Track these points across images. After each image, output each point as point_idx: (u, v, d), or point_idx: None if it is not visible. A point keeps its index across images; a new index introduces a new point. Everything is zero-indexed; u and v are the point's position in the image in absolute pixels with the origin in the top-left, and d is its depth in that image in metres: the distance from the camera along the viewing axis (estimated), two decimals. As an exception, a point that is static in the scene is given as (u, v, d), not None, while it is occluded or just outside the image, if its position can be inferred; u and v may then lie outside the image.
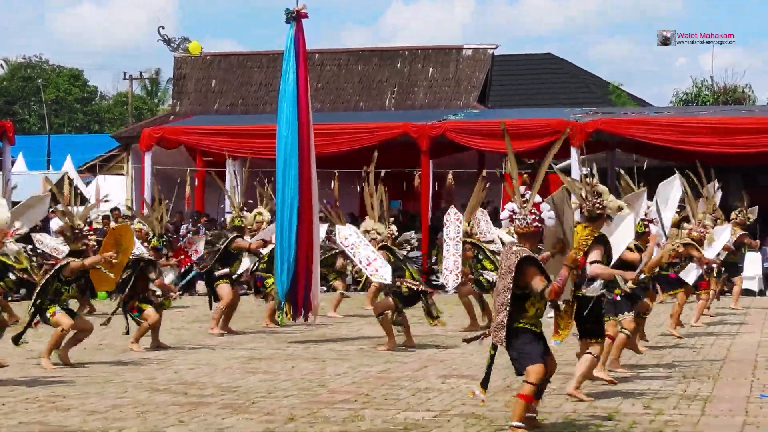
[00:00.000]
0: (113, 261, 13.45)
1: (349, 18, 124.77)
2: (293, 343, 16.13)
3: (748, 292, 23.39)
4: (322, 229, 19.21)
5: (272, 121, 18.65)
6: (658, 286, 15.64)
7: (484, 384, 9.16)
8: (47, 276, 13.34)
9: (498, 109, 36.69)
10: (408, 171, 28.69)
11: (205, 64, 36.36)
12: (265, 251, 18.07)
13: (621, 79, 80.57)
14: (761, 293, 25.49)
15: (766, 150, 25.48)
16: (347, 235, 15.71)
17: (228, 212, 20.72)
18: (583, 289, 10.53)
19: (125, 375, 12.81)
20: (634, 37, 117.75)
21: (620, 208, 11.13)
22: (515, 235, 9.31)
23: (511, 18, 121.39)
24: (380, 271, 15.07)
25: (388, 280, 15.07)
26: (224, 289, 17.25)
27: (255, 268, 18.52)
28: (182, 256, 17.78)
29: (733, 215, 21.87)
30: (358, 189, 29.73)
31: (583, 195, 10.94)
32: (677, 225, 17.20)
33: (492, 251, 17.88)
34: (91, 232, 13.63)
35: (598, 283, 10.66)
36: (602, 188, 10.97)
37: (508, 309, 8.94)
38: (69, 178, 34.50)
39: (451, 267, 16.84)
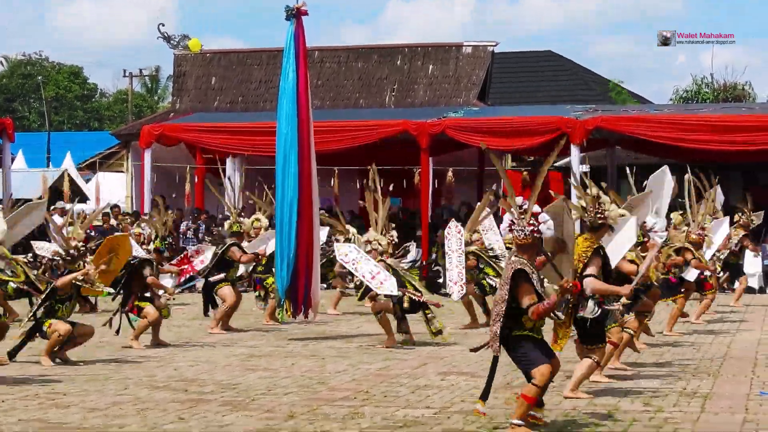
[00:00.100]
0: (102, 268, 13.59)
1: (349, 15, 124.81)
2: (293, 340, 16.13)
3: (748, 290, 23.40)
4: (323, 232, 19.23)
5: (272, 119, 18.66)
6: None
7: (484, 396, 9.14)
8: (46, 291, 13.48)
9: (498, 106, 36.67)
10: (408, 168, 28.70)
11: (205, 62, 36.34)
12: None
13: (621, 77, 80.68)
14: (761, 291, 25.51)
15: (766, 147, 25.47)
16: (347, 252, 15.72)
17: (226, 215, 20.72)
18: (580, 312, 10.46)
19: (125, 372, 12.81)
20: (634, 36, 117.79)
21: (622, 216, 11.11)
22: (514, 246, 9.29)
23: (511, 15, 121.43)
24: (386, 284, 15.02)
25: (395, 292, 15.03)
26: (226, 291, 17.20)
27: (253, 269, 18.54)
28: (184, 266, 17.73)
29: (736, 217, 21.87)
30: (358, 186, 29.79)
31: (584, 205, 10.88)
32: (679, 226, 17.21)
33: (493, 258, 17.94)
34: (86, 250, 13.66)
35: (591, 304, 10.55)
36: (604, 197, 10.93)
37: (501, 320, 8.96)
38: (69, 175, 34.50)
39: (455, 278, 16.85)
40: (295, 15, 16.70)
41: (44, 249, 18.79)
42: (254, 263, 18.25)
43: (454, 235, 17.25)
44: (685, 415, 9.97)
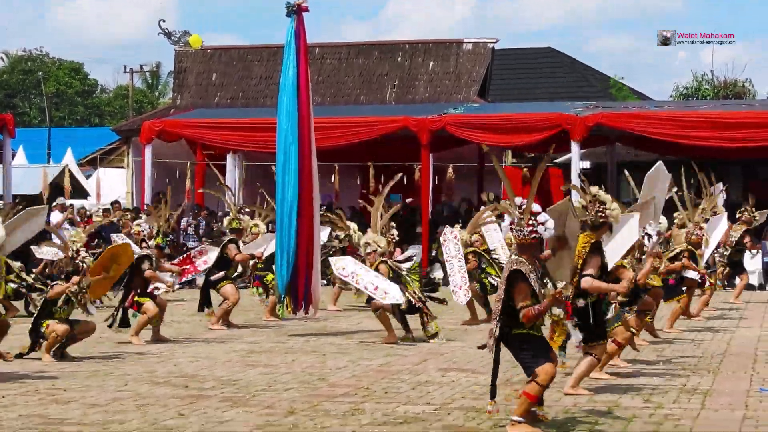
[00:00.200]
0: (101, 276, 13.66)
1: (350, 12, 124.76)
2: (293, 336, 16.14)
3: (748, 287, 23.39)
4: (324, 231, 19.22)
5: (273, 115, 18.64)
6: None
7: (493, 395, 9.15)
8: (43, 297, 13.54)
9: (498, 103, 36.67)
10: (408, 165, 28.69)
11: (205, 58, 36.34)
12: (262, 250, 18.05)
13: (622, 74, 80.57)
14: (761, 287, 25.50)
15: (766, 144, 25.48)
16: (344, 266, 15.70)
17: (226, 211, 20.72)
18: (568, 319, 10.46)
19: (125, 368, 12.82)
20: (635, 33, 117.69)
21: (623, 215, 11.11)
22: (514, 245, 9.31)
23: (511, 12, 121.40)
24: (390, 293, 14.97)
25: (400, 300, 15.00)
26: (228, 289, 17.17)
27: (253, 266, 18.51)
28: (186, 266, 17.71)
29: (738, 213, 21.86)
30: (359, 182, 29.79)
31: (585, 204, 10.88)
32: (682, 226, 17.20)
33: (495, 259, 17.95)
34: (84, 254, 13.67)
35: (570, 326, 10.51)
36: (605, 196, 10.93)
37: (500, 318, 8.99)
38: (69, 171, 34.48)
39: (459, 283, 16.84)
40: (296, 11, 16.69)
41: (46, 253, 18.82)
42: (254, 266, 18.25)
43: (450, 240, 17.26)
44: (685, 411, 9.98)
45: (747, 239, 22.17)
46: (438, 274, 25.67)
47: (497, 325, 8.99)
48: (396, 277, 15.33)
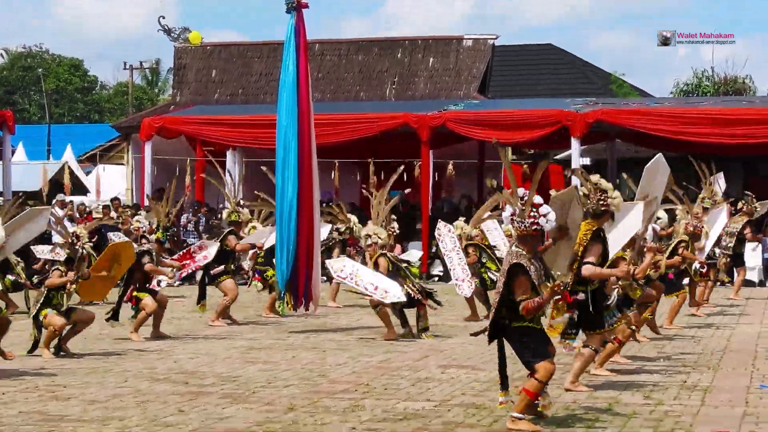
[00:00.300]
0: (104, 274, 13.66)
1: (350, 8, 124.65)
2: (293, 333, 16.13)
3: (748, 283, 23.40)
4: (325, 228, 19.20)
5: (272, 111, 18.64)
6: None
7: (504, 387, 9.16)
8: (41, 288, 13.55)
9: (498, 99, 36.64)
10: (408, 161, 28.67)
11: (205, 54, 36.32)
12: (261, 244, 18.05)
13: (622, 70, 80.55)
14: (761, 284, 25.50)
15: (766, 141, 25.47)
16: (342, 267, 15.68)
17: (225, 205, 20.69)
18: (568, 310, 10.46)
19: (125, 364, 12.82)
20: (635, 29, 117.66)
21: (625, 203, 11.11)
22: (514, 237, 9.30)
23: (511, 8, 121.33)
24: (391, 292, 14.94)
25: (402, 297, 14.97)
26: (228, 284, 17.17)
27: (254, 261, 18.52)
28: (186, 261, 17.70)
29: (740, 204, 21.87)
30: (358, 178, 29.77)
31: (587, 192, 10.89)
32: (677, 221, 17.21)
33: (495, 254, 17.94)
34: (85, 239, 13.67)
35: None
36: (607, 185, 10.93)
37: (500, 311, 9.00)
38: (69, 167, 34.49)
39: (461, 276, 16.82)
40: (296, 7, 16.69)
41: (43, 252, 18.81)
42: (255, 256, 18.22)
43: (445, 235, 17.24)
44: (686, 408, 9.98)
45: (747, 230, 22.15)
46: (438, 269, 25.70)
47: (491, 318, 9.01)
48: (395, 270, 15.31)
